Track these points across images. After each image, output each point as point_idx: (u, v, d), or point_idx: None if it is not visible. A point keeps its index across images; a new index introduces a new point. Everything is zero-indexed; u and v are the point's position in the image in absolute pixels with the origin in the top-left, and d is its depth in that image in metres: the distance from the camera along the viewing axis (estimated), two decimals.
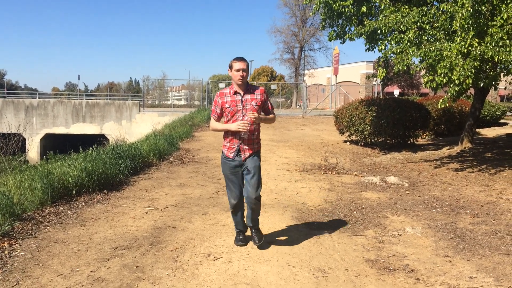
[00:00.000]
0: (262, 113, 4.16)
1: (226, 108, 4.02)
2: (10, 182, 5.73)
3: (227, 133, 4.11)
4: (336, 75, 37.18)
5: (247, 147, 4.09)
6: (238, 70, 3.95)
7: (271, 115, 4.26)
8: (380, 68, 8.95)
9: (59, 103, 27.86)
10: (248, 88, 4.05)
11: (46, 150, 17.45)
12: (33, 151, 25.82)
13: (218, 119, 4.19)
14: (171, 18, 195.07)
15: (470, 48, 6.75)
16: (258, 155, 4.19)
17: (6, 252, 3.98)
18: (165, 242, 4.42)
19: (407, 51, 7.83)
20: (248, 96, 4.03)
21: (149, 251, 4.17)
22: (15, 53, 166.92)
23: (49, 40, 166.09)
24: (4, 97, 36.61)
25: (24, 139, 22.41)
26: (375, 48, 10.04)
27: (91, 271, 3.67)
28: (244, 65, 3.98)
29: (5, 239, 4.23)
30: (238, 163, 4.09)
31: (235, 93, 4.03)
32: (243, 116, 4.00)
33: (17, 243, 4.23)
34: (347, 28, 10.34)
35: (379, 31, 8.56)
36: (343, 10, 9.43)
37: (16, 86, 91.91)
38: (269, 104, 4.19)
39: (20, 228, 4.60)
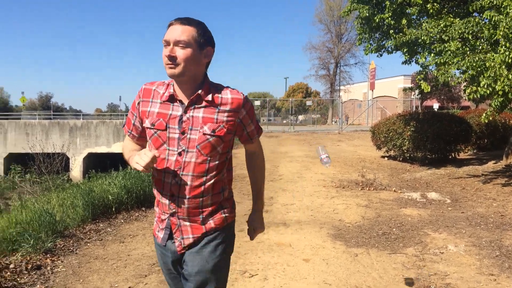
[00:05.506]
0: (218, 149, 1.83)
1: (147, 127, 1.87)
2: (53, 200, 5.96)
3: (153, 176, 1.93)
4: (372, 90, 36.69)
5: (187, 222, 1.86)
6: (166, 45, 1.76)
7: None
8: (422, 81, 8.72)
9: (102, 123, 28.82)
10: (203, 92, 1.81)
11: (88, 168, 18.02)
12: (76, 170, 26.70)
13: (136, 139, 2.00)
14: None
15: None
16: (221, 240, 1.89)
17: (48, 268, 4.11)
18: None
19: (450, 61, 7.62)
20: (199, 112, 1.80)
21: None
22: (61, 77, 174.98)
23: (93, 64, 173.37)
24: (50, 118, 38.25)
25: (68, 158, 23.24)
26: (413, 60, 9.88)
27: (130, 287, 3.72)
28: (181, 32, 1.74)
29: (48, 255, 4.38)
30: (173, 256, 1.91)
31: (172, 98, 1.83)
32: (180, 153, 1.80)
33: (59, 260, 4.36)
34: (385, 41, 10.24)
35: (420, 40, 8.37)
36: (382, 23, 9.33)
37: (62, 108, 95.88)
38: (253, 127, 1.95)
39: (62, 245, 4.75)
